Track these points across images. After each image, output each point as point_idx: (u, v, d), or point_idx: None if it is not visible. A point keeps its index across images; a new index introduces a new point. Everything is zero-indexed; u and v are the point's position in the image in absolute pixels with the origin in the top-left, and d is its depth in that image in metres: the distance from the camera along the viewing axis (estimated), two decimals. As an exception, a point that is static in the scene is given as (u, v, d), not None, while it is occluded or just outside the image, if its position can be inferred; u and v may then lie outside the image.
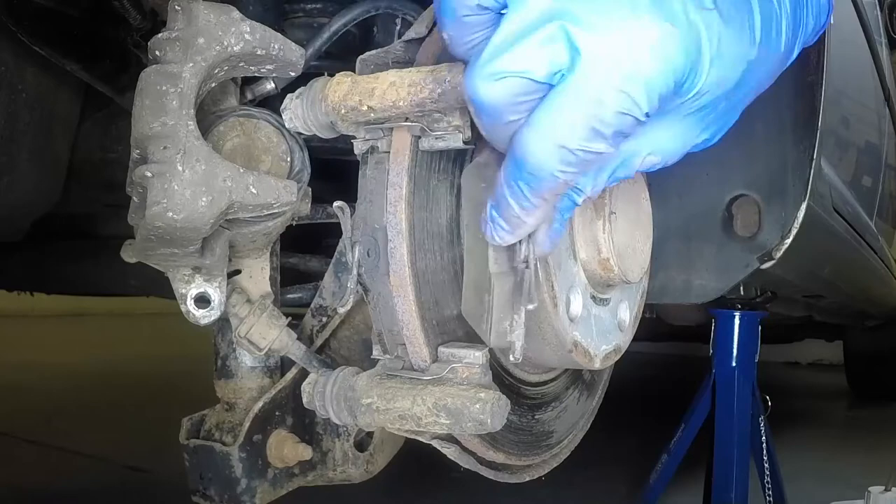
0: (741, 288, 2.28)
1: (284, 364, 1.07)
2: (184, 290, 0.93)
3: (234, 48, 0.84)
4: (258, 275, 1.02)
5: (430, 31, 0.91)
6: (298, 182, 0.95)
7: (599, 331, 0.98)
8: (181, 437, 1.05)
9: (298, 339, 0.98)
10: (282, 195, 0.87)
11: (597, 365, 0.98)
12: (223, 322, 1.01)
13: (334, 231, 0.98)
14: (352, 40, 1.17)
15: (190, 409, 1.07)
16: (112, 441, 3.52)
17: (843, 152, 2.09)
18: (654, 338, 5.08)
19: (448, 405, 0.80)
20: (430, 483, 2.84)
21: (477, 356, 0.84)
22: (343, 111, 0.83)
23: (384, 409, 0.83)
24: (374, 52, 0.90)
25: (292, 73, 0.92)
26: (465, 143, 0.83)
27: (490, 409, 0.79)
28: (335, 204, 0.89)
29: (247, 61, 0.87)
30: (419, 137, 0.84)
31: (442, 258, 0.88)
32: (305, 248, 1.28)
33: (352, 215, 0.89)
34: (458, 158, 0.90)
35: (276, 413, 1.02)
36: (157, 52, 0.85)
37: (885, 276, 3.16)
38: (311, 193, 1.02)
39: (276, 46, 0.87)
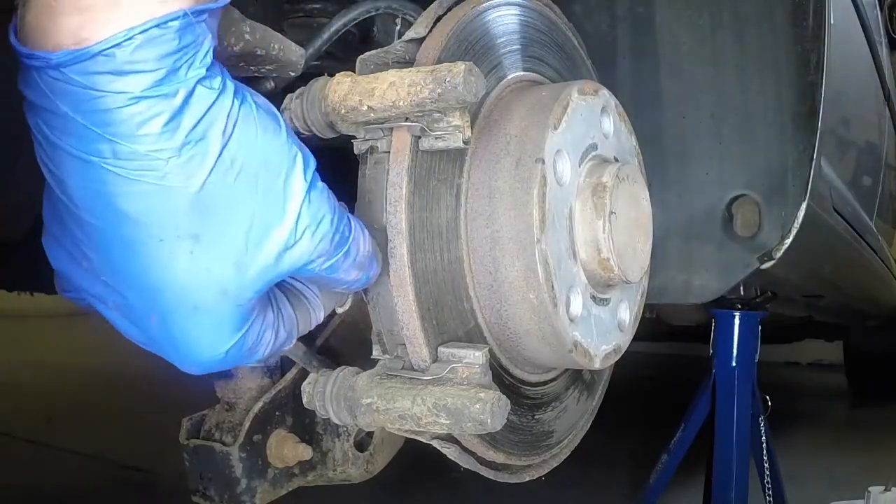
0: (741, 288, 2.28)
1: (284, 364, 1.07)
2: (184, 290, 0.93)
3: (234, 48, 0.84)
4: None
5: (430, 30, 0.91)
6: (298, 182, 0.95)
7: (599, 331, 0.98)
8: (181, 437, 1.05)
9: (298, 338, 0.98)
10: (282, 195, 0.87)
11: (597, 365, 0.98)
12: (223, 322, 1.01)
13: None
14: (352, 40, 1.17)
15: (190, 409, 1.07)
16: (112, 441, 3.52)
17: (843, 152, 2.09)
18: (654, 338, 5.08)
19: (448, 405, 0.80)
20: (430, 483, 2.84)
21: (477, 356, 0.84)
22: (343, 111, 0.83)
23: (384, 409, 0.83)
24: (374, 52, 0.90)
25: (292, 74, 0.92)
26: (464, 142, 0.83)
27: (490, 409, 0.79)
28: (335, 204, 0.89)
29: (247, 61, 0.87)
30: (419, 137, 0.84)
31: (442, 258, 0.88)
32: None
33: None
34: (457, 158, 0.91)
35: (276, 413, 1.02)
36: (157, 52, 0.84)
37: (885, 276, 3.16)
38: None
39: (277, 46, 0.87)
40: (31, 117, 0.64)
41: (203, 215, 0.65)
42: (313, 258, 0.72)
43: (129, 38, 0.59)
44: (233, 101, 0.67)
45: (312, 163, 0.73)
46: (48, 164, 0.64)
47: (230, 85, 0.67)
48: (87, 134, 0.60)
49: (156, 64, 0.60)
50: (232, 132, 0.66)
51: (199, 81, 0.63)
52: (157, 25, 0.60)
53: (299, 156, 0.72)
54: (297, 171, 0.71)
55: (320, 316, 0.83)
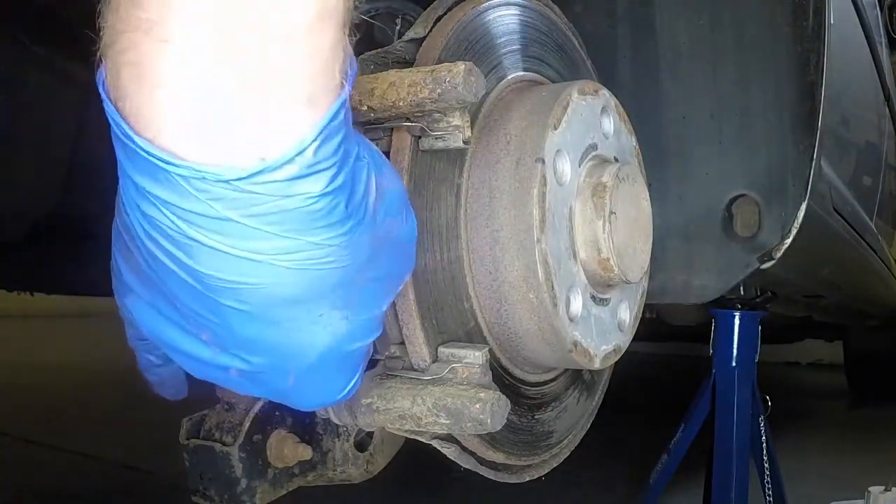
0: (741, 288, 2.28)
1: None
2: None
3: (234, 48, 0.84)
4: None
5: (430, 30, 0.92)
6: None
7: (599, 331, 0.98)
8: (181, 437, 1.05)
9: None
10: (282, 195, 0.87)
11: (597, 365, 0.98)
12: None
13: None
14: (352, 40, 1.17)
15: (190, 409, 1.07)
16: (112, 441, 3.52)
17: (843, 152, 2.09)
18: (654, 338, 5.08)
19: (448, 405, 0.80)
20: (431, 483, 2.84)
21: (477, 356, 0.84)
22: (343, 111, 0.83)
23: (384, 409, 0.83)
24: (374, 52, 0.90)
25: (292, 74, 0.92)
26: (464, 142, 0.83)
27: (490, 409, 0.79)
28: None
29: (247, 61, 0.87)
30: (419, 137, 0.84)
31: (442, 258, 0.88)
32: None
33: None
34: (457, 158, 0.91)
35: (276, 413, 1.02)
36: (158, 53, 0.84)
37: (885, 276, 3.16)
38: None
39: (277, 46, 0.87)
40: (160, 213, 0.54)
41: (360, 283, 0.62)
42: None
43: (313, 141, 0.52)
44: (371, 162, 0.62)
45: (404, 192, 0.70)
46: (179, 258, 0.56)
47: (361, 145, 0.61)
48: (254, 235, 0.54)
49: (333, 159, 0.54)
50: (383, 195, 0.63)
51: (357, 159, 0.58)
52: (333, 118, 0.54)
53: (402, 191, 0.69)
54: (409, 208, 0.69)
55: None
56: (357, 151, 0.59)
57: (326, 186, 0.54)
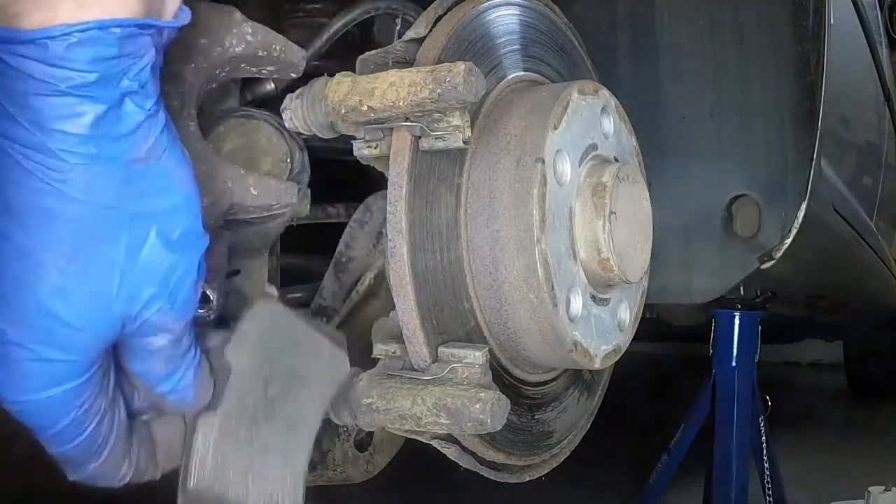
0: (741, 288, 2.28)
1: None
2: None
3: (236, 49, 0.84)
4: (257, 275, 1.02)
5: (430, 30, 0.92)
6: (298, 183, 0.95)
7: (599, 331, 0.98)
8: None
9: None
10: (282, 197, 0.87)
11: (597, 365, 0.98)
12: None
13: (335, 230, 0.98)
14: (352, 40, 1.17)
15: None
16: (112, 441, 3.51)
17: (843, 152, 2.09)
18: (654, 338, 5.08)
19: (448, 405, 0.80)
20: (431, 483, 2.84)
21: (477, 356, 0.84)
22: (343, 111, 0.83)
23: (384, 409, 0.83)
24: (374, 52, 0.90)
25: (293, 75, 0.92)
26: (464, 142, 0.83)
27: (490, 409, 0.79)
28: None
29: (248, 62, 0.87)
30: (419, 137, 0.84)
31: (442, 258, 0.88)
32: (305, 248, 1.28)
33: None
34: (458, 158, 0.91)
35: (277, 413, 1.02)
36: (158, 53, 0.84)
37: (886, 276, 3.16)
38: (310, 194, 1.02)
39: (278, 48, 0.87)
40: None
41: (88, 240, 0.60)
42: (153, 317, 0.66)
43: (66, 34, 0.55)
44: (161, 130, 0.62)
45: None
46: None
47: (162, 116, 0.63)
48: None
49: (87, 66, 0.57)
50: (152, 164, 0.62)
51: (127, 95, 0.59)
52: (98, 28, 0.56)
53: (198, 204, 0.66)
54: (196, 221, 0.66)
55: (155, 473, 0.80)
56: (151, 105, 0.61)
57: (73, 87, 0.57)
